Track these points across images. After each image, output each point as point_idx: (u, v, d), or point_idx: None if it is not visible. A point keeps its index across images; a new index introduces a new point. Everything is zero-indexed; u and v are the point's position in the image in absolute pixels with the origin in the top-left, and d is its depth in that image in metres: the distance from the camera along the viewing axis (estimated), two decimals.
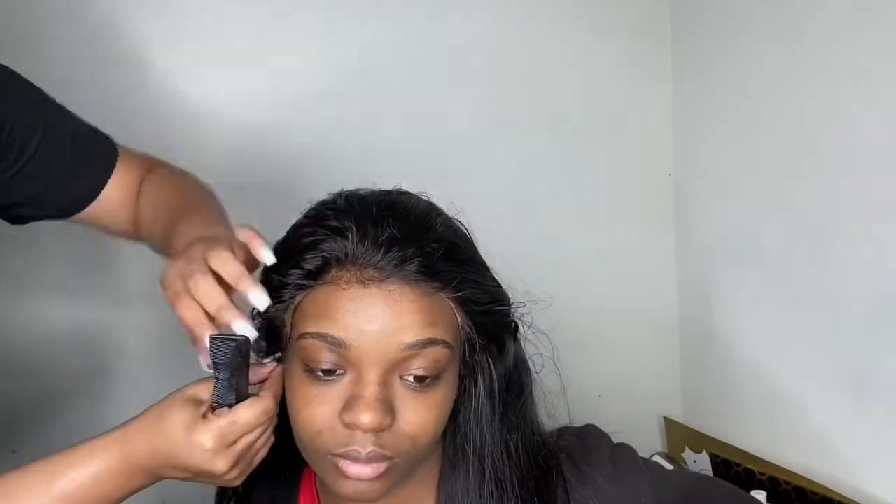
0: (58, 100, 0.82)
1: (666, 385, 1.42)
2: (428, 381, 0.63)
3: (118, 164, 0.83)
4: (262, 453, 0.64)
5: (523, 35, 1.30)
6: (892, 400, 1.01)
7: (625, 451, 0.76)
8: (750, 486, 1.16)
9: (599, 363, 1.28)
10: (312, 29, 1.20)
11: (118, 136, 0.85)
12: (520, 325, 0.71)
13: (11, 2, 1.07)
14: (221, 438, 0.60)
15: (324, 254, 0.63)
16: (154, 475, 0.63)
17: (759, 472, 1.18)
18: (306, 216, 0.68)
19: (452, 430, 0.70)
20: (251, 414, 0.61)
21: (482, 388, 0.68)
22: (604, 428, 0.81)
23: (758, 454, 1.19)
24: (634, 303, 1.39)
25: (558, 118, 1.33)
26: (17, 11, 1.07)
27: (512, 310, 0.70)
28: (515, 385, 0.70)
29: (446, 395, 0.65)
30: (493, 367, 0.68)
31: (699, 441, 1.30)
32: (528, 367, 0.72)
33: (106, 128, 0.84)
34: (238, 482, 0.64)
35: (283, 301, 0.64)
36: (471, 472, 0.68)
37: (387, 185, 0.73)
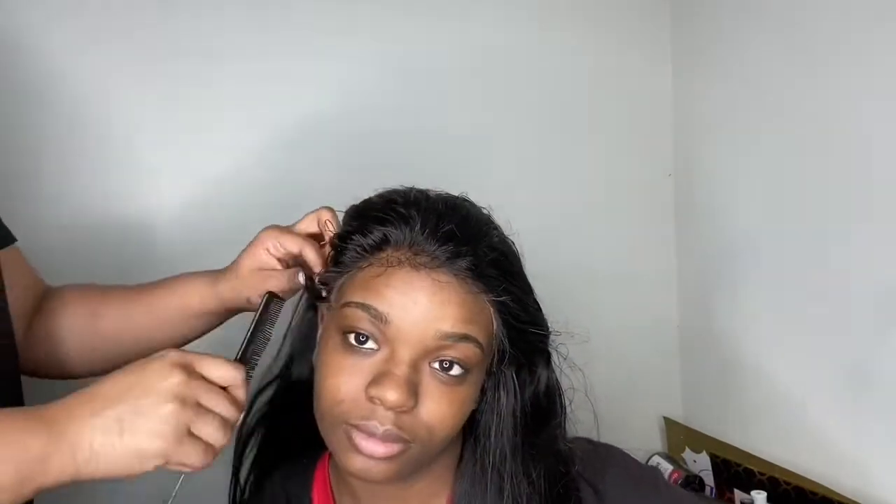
0: None
1: (666, 385, 1.42)
2: (455, 374, 0.65)
3: (9, 251, 0.76)
4: (212, 432, 0.57)
5: (522, 35, 1.30)
6: (892, 400, 1.01)
7: (646, 471, 0.79)
8: (750, 486, 1.16)
9: (599, 363, 1.28)
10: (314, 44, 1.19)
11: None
12: (554, 354, 0.74)
13: None
14: (182, 359, 0.57)
15: (384, 233, 0.66)
16: (56, 428, 0.53)
17: (759, 472, 1.18)
18: (377, 197, 0.72)
19: (473, 441, 0.72)
20: (221, 364, 0.59)
21: (505, 404, 0.70)
22: (604, 428, 0.82)
23: (758, 454, 1.19)
24: (634, 303, 1.39)
25: (557, 118, 1.33)
26: None
27: (550, 339, 0.73)
28: (543, 412, 0.72)
29: (469, 394, 0.67)
30: (519, 389, 0.70)
31: (699, 441, 1.30)
32: (559, 398, 0.74)
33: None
34: (168, 440, 0.55)
35: (339, 268, 0.68)
36: (489, 489, 0.70)
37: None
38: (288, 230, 0.75)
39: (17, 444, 0.52)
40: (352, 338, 0.64)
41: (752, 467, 1.19)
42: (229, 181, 1.13)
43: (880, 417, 1.03)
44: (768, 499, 1.12)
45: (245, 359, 0.65)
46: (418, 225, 0.65)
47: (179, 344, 0.79)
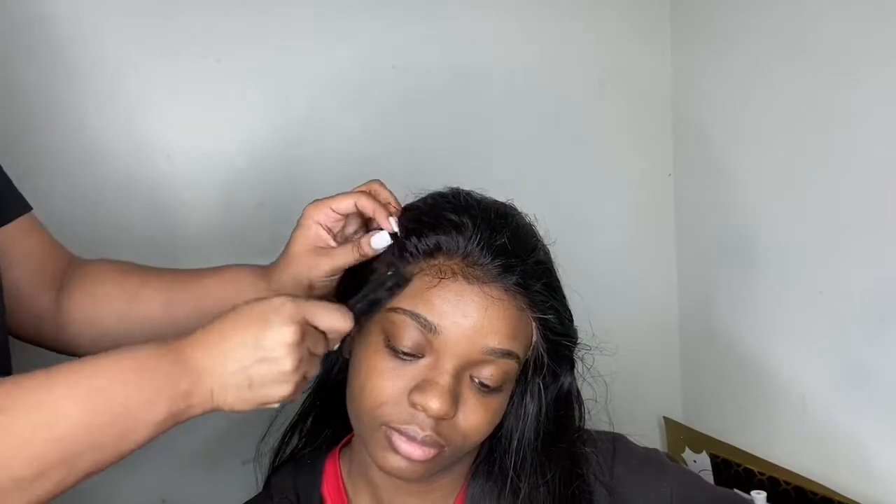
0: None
1: (666, 385, 1.42)
2: (493, 386, 0.66)
3: (26, 219, 0.74)
4: (312, 371, 0.62)
5: (521, 34, 1.30)
6: (892, 400, 1.01)
7: (651, 454, 0.80)
8: (750, 486, 1.16)
9: (599, 363, 1.28)
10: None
11: None
12: (578, 363, 0.75)
13: None
14: (298, 312, 0.60)
15: (438, 240, 0.66)
16: (196, 370, 0.58)
17: (758, 472, 1.17)
18: (422, 202, 0.72)
19: (492, 442, 0.73)
20: (333, 314, 0.61)
21: (531, 410, 0.71)
22: (604, 428, 0.82)
23: (758, 454, 1.19)
24: (634, 302, 1.39)
25: (556, 118, 1.33)
26: None
27: (576, 350, 0.74)
28: (564, 418, 0.74)
29: (502, 402, 0.69)
30: (543, 394, 0.71)
31: (699, 441, 1.30)
32: (578, 405, 0.75)
33: None
34: (291, 387, 0.60)
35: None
36: (506, 490, 0.71)
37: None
38: (332, 197, 0.72)
39: (170, 383, 0.57)
40: (396, 350, 0.65)
41: (752, 467, 1.19)
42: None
43: (881, 417, 1.03)
44: (768, 499, 1.12)
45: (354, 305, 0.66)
46: (472, 235, 0.66)
47: None
